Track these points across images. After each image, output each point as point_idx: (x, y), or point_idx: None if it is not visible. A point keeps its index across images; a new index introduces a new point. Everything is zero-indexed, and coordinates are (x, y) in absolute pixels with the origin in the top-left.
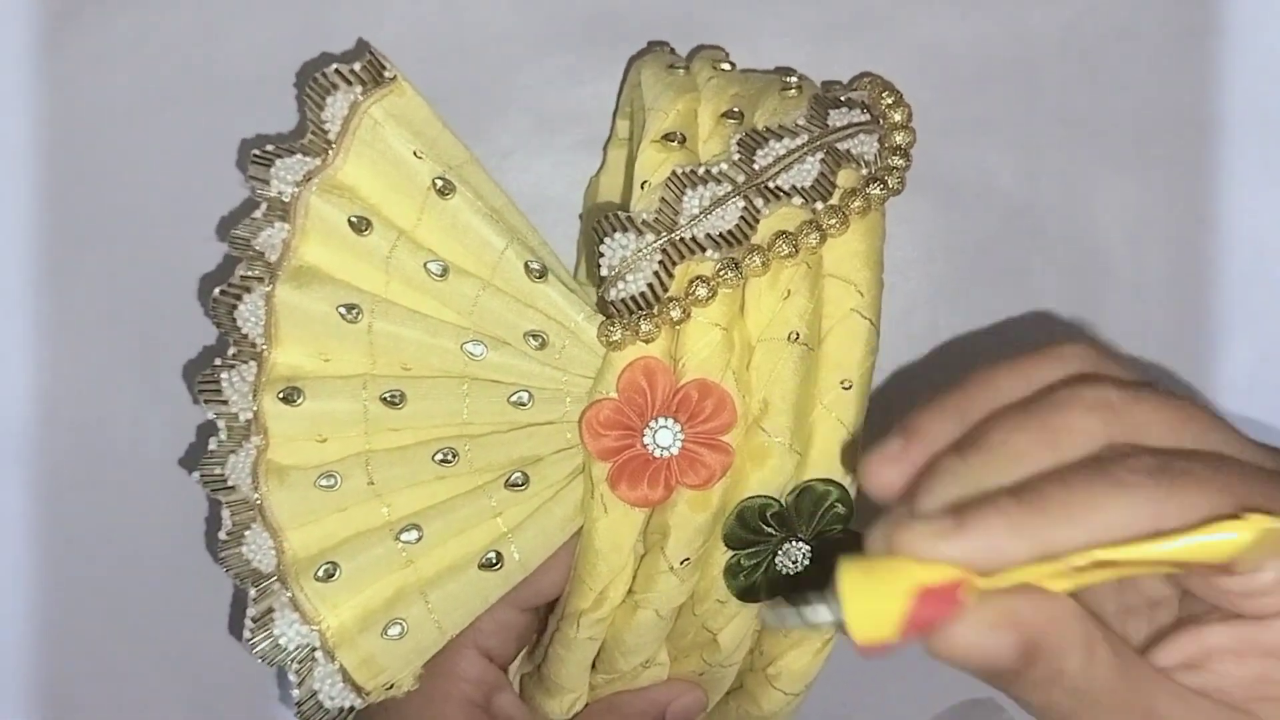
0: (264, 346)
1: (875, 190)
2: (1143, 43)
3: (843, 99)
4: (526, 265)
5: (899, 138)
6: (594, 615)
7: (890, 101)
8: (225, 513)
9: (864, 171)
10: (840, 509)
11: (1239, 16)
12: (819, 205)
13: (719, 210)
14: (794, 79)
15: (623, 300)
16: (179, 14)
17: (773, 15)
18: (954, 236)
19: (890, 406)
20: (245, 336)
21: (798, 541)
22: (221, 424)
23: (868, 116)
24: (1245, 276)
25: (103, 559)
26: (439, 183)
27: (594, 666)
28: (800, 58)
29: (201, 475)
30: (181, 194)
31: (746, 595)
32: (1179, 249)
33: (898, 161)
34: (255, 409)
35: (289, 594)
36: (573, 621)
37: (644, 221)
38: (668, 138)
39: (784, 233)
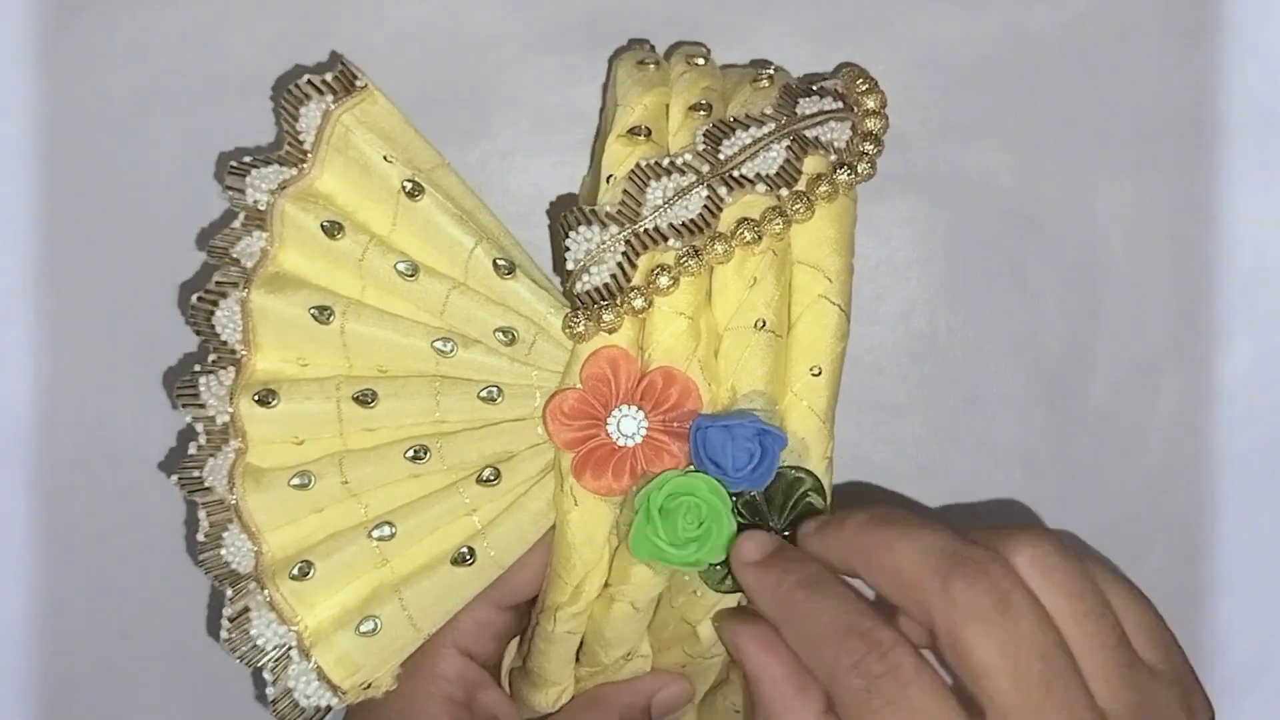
0: (243, 352)
1: (843, 176)
2: (1143, 43)
3: (814, 88)
4: (494, 262)
5: (871, 124)
6: (571, 609)
7: (864, 88)
8: (201, 514)
9: (833, 158)
10: (812, 498)
11: (1239, 16)
12: (784, 192)
13: (682, 200)
14: (767, 70)
15: (587, 292)
16: (178, 14)
17: (773, 15)
18: (954, 236)
19: (891, 406)
20: (224, 343)
21: (770, 531)
22: (200, 428)
23: (840, 104)
24: (1245, 276)
25: (103, 559)
26: (407, 185)
27: (577, 659)
28: (800, 58)
29: (179, 479)
30: (181, 194)
31: (721, 585)
32: (1179, 249)
33: (869, 147)
34: (232, 412)
35: (266, 594)
36: (550, 616)
37: (608, 214)
38: (633, 131)
39: (747, 219)
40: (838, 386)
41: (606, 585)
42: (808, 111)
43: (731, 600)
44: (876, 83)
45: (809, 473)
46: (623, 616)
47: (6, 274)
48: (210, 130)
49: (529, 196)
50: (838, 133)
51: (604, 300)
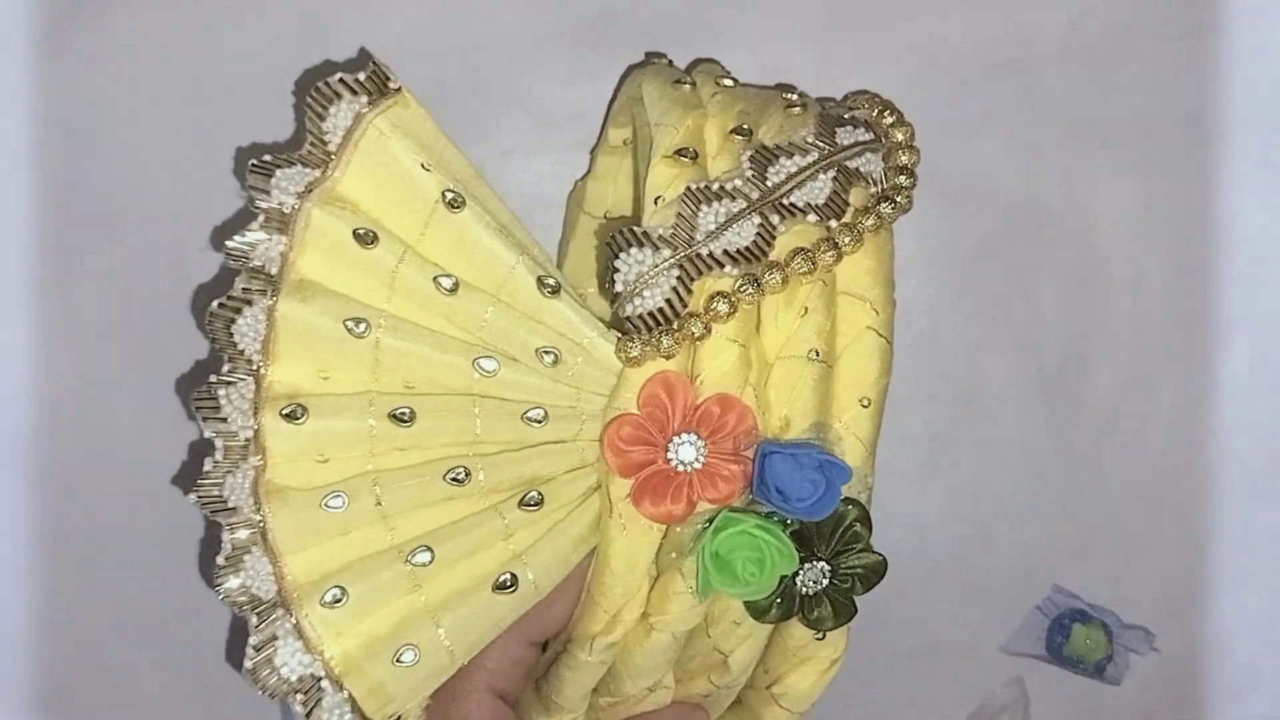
0: (260, 363)
1: (886, 208)
2: (1143, 43)
3: (846, 117)
4: (539, 281)
5: (904, 157)
6: (606, 639)
7: (891, 121)
8: (226, 535)
9: (872, 190)
10: (858, 528)
11: (1239, 16)
12: (833, 223)
13: (735, 226)
14: (796, 95)
15: (640, 316)
16: (179, 15)
17: (773, 15)
18: (954, 236)
19: (891, 406)
20: (241, 352)
21: (817, 561)
22: (219, 443)
23: (871, 135)
24: (1245, 276)
25: (103, 559)
26: (449, 195)
27: (596, 689)
28: (800, 58)
29: (199, 497)
30: (181, 194)
31: (763, 616)
32: (1179, 249)
33: (905, 181)
34: (255, 427)
35: (293, 620)
36: (585, 644)
37: (660, 237)
38: (680, 153)
39: (802, 249)
40: (881, 418)
41: (644, 614)
42: (846, 142)
43: (765, 628)
44: (902, 114)
45: (856, 503)
46: (659, 646)
47: (6, 274)
48: (210, 130)
49: (529, 195)
50: (873, 164)
51: (656, 325)
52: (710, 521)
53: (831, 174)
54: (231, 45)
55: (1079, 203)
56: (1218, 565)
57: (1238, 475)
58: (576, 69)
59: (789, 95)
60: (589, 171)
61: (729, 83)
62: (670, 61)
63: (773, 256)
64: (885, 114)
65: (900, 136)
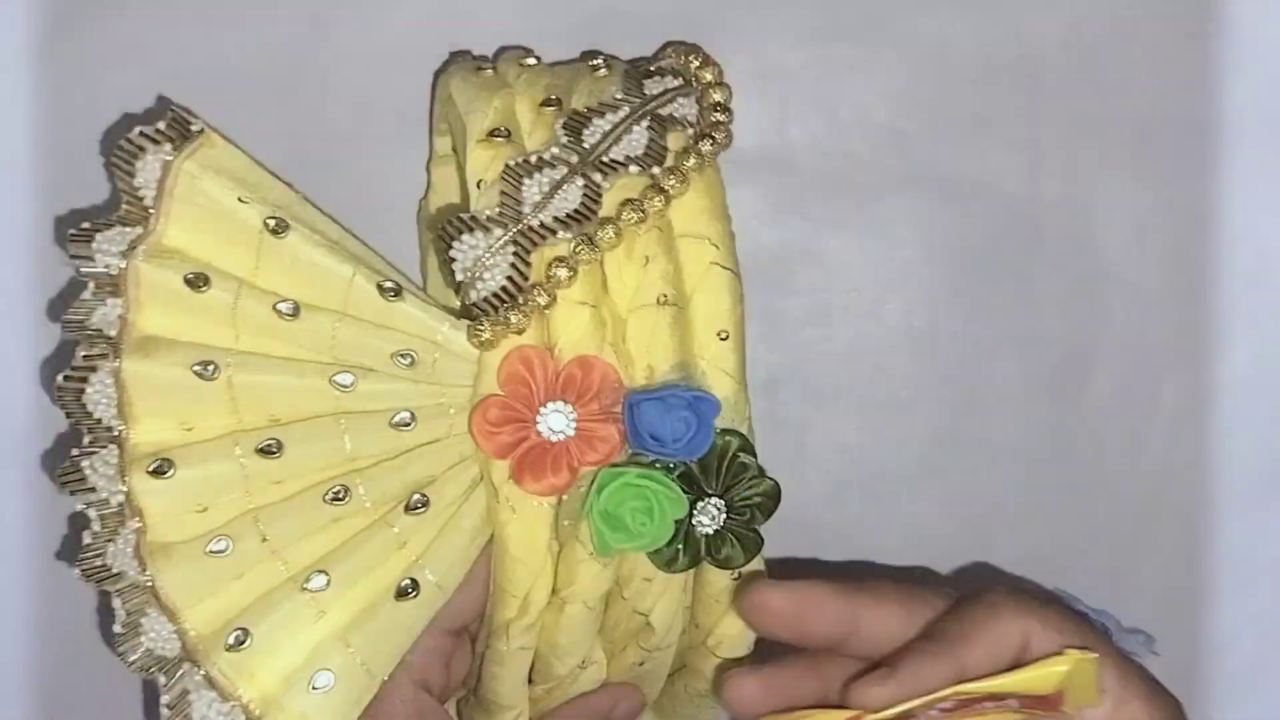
0: (120, 427)
1: (706, 146)
2: (1143, 43)
3: (653, 69)
4: (380, 286)
5: (716, 95)
6: (522, 622)
7: (699, 63)
8: (117, 603)
9: (689, 132)
10: (743, 457)
11: (1239, 16)
12: (656, 170)
13: (560, 192)
14: (601, 60)
15: (485, 299)
16: (179, 14)
17: (773, 15)
18: (954, 236)
19: (891, 406)
20: (99, 421)
21: (711, 498)
22: (93, 513)
23: (681, 81)
24: (1245, 276)
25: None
26: (271, 222)
27: (530, 679)
28: (800, 58)
29: (83, 571)
30: None
31: (672, 565)
32: (1179, 249)
33: (720, 117)
34: (125, 490)
35: (202, 672)
36: (502, 634)
37: (489, 218)
38: (493, 134)
39: (629, 200)
40: (744, 347)
41: (554, 591)
42: (655, 92)
43: (679, 580)
44: (710, 56)
45: (734, 433)
46: (576, 619)
47: (6, 274)
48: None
49: None
50: (687, 108)
51: (502, 304)
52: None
53: (645, 124)
54: (231, 45)
55: (1079, 203)
56: (1218, 566)
57: (1238, 475)
58: None
59: (594, 61)
60: (428, 188)
61: (532, 61)
62: (472, 55)
63: (603, 214)
64: (692, 58)
65: (709, 76)
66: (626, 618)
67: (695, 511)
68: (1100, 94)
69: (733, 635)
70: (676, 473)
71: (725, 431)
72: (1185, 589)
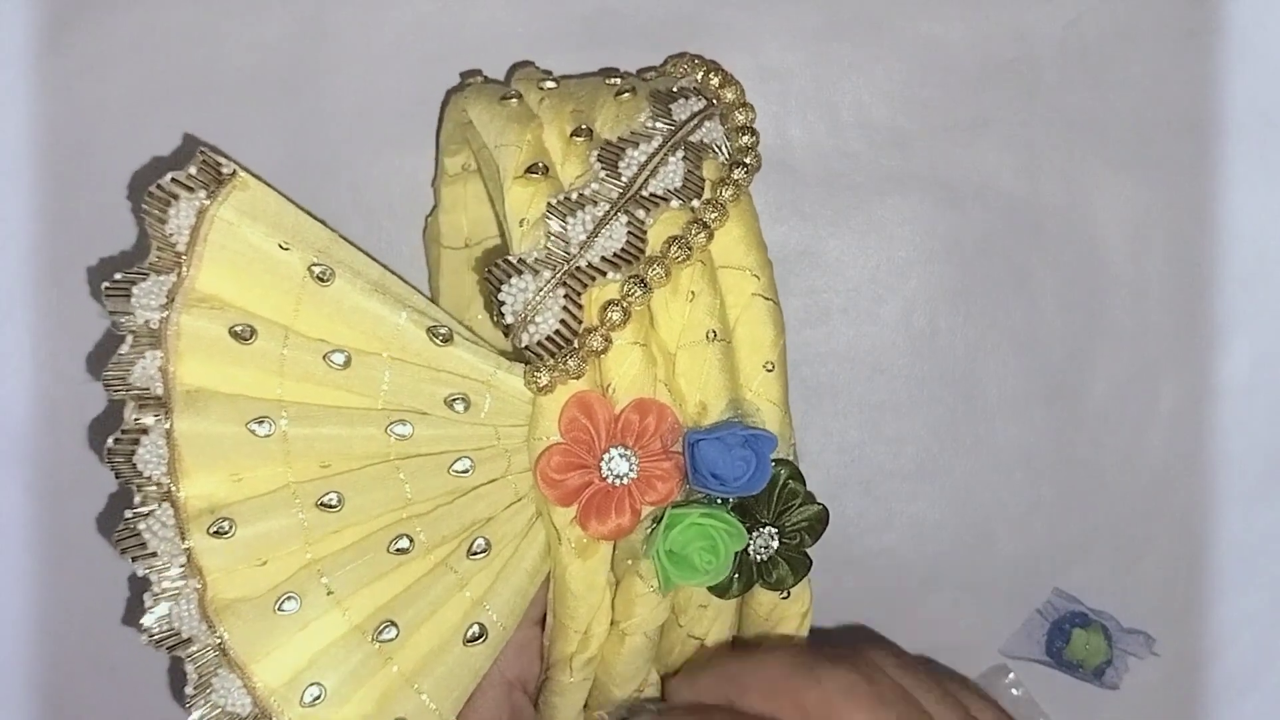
0: (170, 484)
1: (739, 174)
2: (1143, 43)
3: (676, 90)
4: (430, 331)
5: (741, 116)
6: (584, 656)
7: (718, 82)
8: (189, 667)
9: (721, 159)
10: (793, 484)
11: (1239, 16)
12: (695, 203)
13: (605, 230)
14: (617, 80)
15: (539, 343)
16: (179, 14)
17: (773, 15)
18: (954, 236)
19: (891, 406)
20: (149, 479)
21: (764, 528)
22: (154, 576)
23: (704, 101)
24: (1245, 276)
25: (103, 559)
26: (316, 269)
27: (586, 703)
28: (800, 58)
29: (151, 638)
30: None
31: (727, 593)
32: (1179, 249)
33: (748, 140)
34: (187, 549)
35: None
36: (564, 667)
37: (536, 259)
38: (530, 170)
39: (674, 237)
40: (786, 375)
41: (613, 623)
42: (683, 117)
43: (732, 603)
44: (727, 73)
45: (784, 462)
46: (636, 648)
47: (6, 274)
48: (210, 130)
49: None
50: (714, 132)
51: (558, 348)
52: (657, 521)
53: (680, 154)
54: (231, 45)
55: (1079, 203)
56: (1217, 566)
57: (1238, 475)
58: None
59: (613, 81)
60: (436, 206)
61: (551, 84)
62: (485, 78)
63: (649, 251)
64: (711, 76)
65: (731, 96)
66: (681, 641)
67: (750, 542)
68: (1100, 94)
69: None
70: (730, 505)
71: (777, 461)
72: (1184, 588)
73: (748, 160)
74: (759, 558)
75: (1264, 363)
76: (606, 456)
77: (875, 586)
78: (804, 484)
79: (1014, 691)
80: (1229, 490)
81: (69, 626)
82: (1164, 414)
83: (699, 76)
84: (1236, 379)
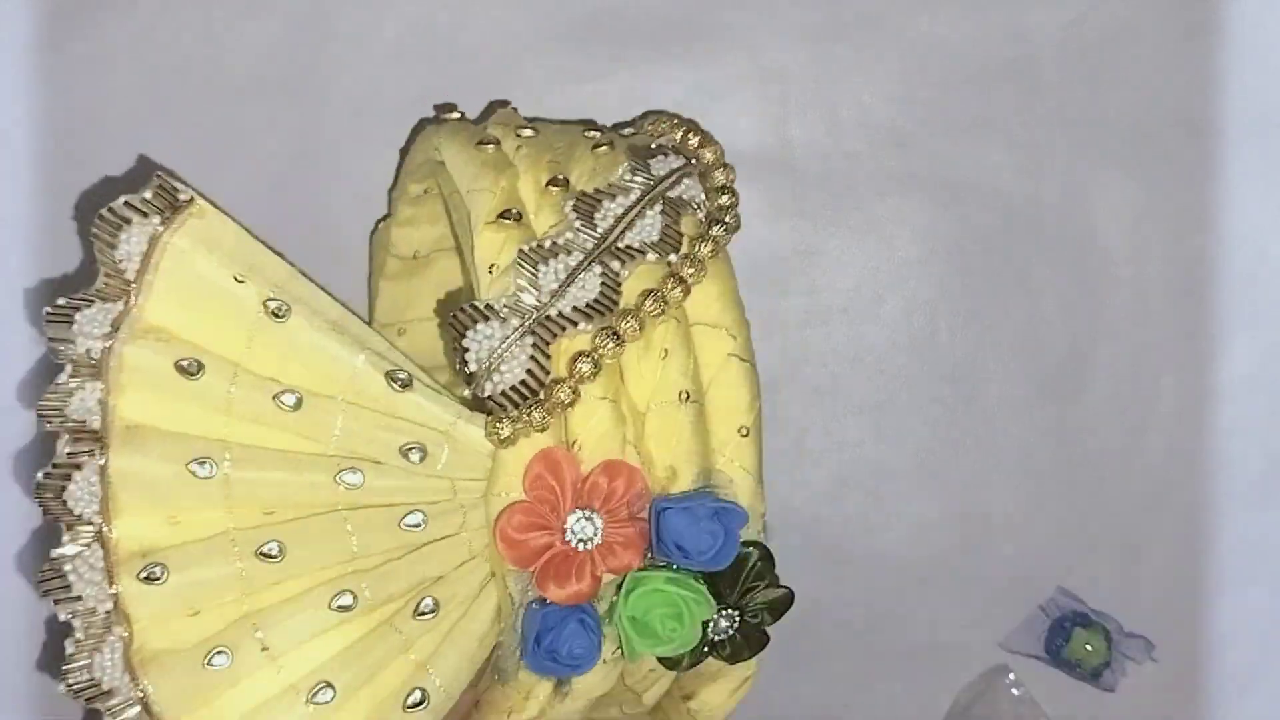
0: (102, 524)
1: (718, 231)
2: (1143, 43)
3: (654, 147)
4: (389, 375)
5: (720, 176)
6: (524, 714)
7: (697, 142)
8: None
9: (699, 215)
10: (761, 567)
11: (1239, 16)
12: (673, 257)
13: (578, 280)
14: (597, 133)
15: (503, 393)
16: (179, 14)
17: (773, 15)
18: (954, 236)
19: (891, 406)
20: (79, 517)
21: (727, 610)
22: (77, 622)
23: (683, 159)
24: (1245, 276)
25: None
26: (271, 305)
27: None
28: (800, 58)
29: (70, 688)
30: None
31: (677, 667)
32: (1179, 249)
33: (727, 200)
34: (115, 594)
35: None
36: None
37: (504, 306)
38: (503, 216)
39: (649, 290)
40: (761, 440)
41: (556, 687)
42: (662, 173)
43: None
44: (708, 133)
45: (756, 544)
46: (576, 710)
47: (6, 274)
48: (210, 130)
49: None
50: (693, 189)
51: (522, 399)
52: (619, 588)
53: (658, 208)
54: (231, 45)
55: (1079, 203)
56: (1218, 566)
57: (1238, 475)
58: (576, 69)
59: (591, 134)
60: (390, 215)
61: (528, 132)
62: (463, 114)
63: (622, 304)
64: (690, 135)
65: (710, 156)
66: (620, 692)
67: (709, 624)
68: (1100, 94)
69: (713, 704)
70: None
71: (748, 543)
72: (1185, 588)
73: (727, 219)
74: (716, 637)
75: (1264, 363)
76: (572, 518)
77: (875, 586)
78: (773, 565)
79: (1014, 691)
80: (1229, 490)
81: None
82: (1164, 414)
83: (677, 136)
84: (1236, 379)
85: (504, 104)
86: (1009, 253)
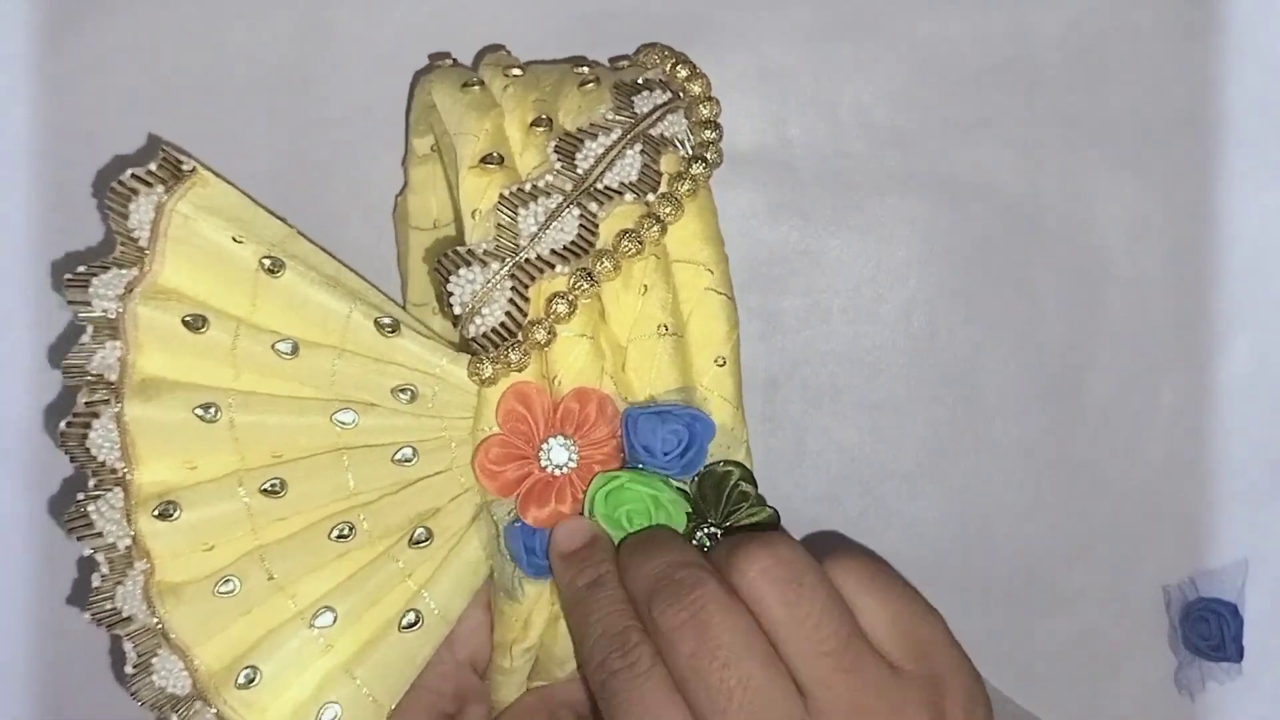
0: (124, 470)
1: (699, 169)
2: (1143, 43)
3: (641, 82)
4: (377, 323)
5: (706, 110)
6: (523, 645)
7: (686, 75)
8: (128, 645)
9: (682, 153)
10: (744, 486)
11: (1239, 16)
12: (651, 197)
13: (556, 223)
14: (586, 69)
15: (484, 335)
16: (179, 14)
17: (773, 15)
18: (954, 236)
19: (891, 406)
20: (103, 464)
21: (709, 527)
22: (101, 557)
23: (669, 94)
24: (1245, 276)
25: None
26: (267, 262)
27: (530, 675)
28: (800, 58)
29: (93, 615)
30: None
31: None
32: (1179, 249)
33: (711, 135)
34: (133, 534)
35: (213, 710)
36: (504, 652)
37: (485, 251)
38: (485, 160)
39: (626, 231)
40: (740, 372)
41: (553, 611)
42: (645, 110)
43: None
44: (695, 65)
45: (737, 464)
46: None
47: (6, 274)
48: (210, 130)
49: None
50: (676, 125)
51: (502, 340)
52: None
53: (639, 147)
54: (231, 45)
55: (1079, 203)
56: (1218, 565)
57: (1238, 475)
58: None
59: (580, 70)
60: (405, 186)
61: (517, 71)
62: (455, 61)
63: (600, 244)
64: (679, 68)
65: (698, 89)
66: None
67: (694, 538)
68: (1100, 93)
69: None
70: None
71: (728, 462)
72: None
73: (708, 155)
74: (705, 549)
75: (1264, 363)
76: (545, 446)
77: None
78: (755, 487)
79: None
80: (1229, 490)
81: (69, 627)
82: (1164, 414)
83: (667, 68)
84: (1236, 379)
85: (498, 48)
86: (1009, 253)
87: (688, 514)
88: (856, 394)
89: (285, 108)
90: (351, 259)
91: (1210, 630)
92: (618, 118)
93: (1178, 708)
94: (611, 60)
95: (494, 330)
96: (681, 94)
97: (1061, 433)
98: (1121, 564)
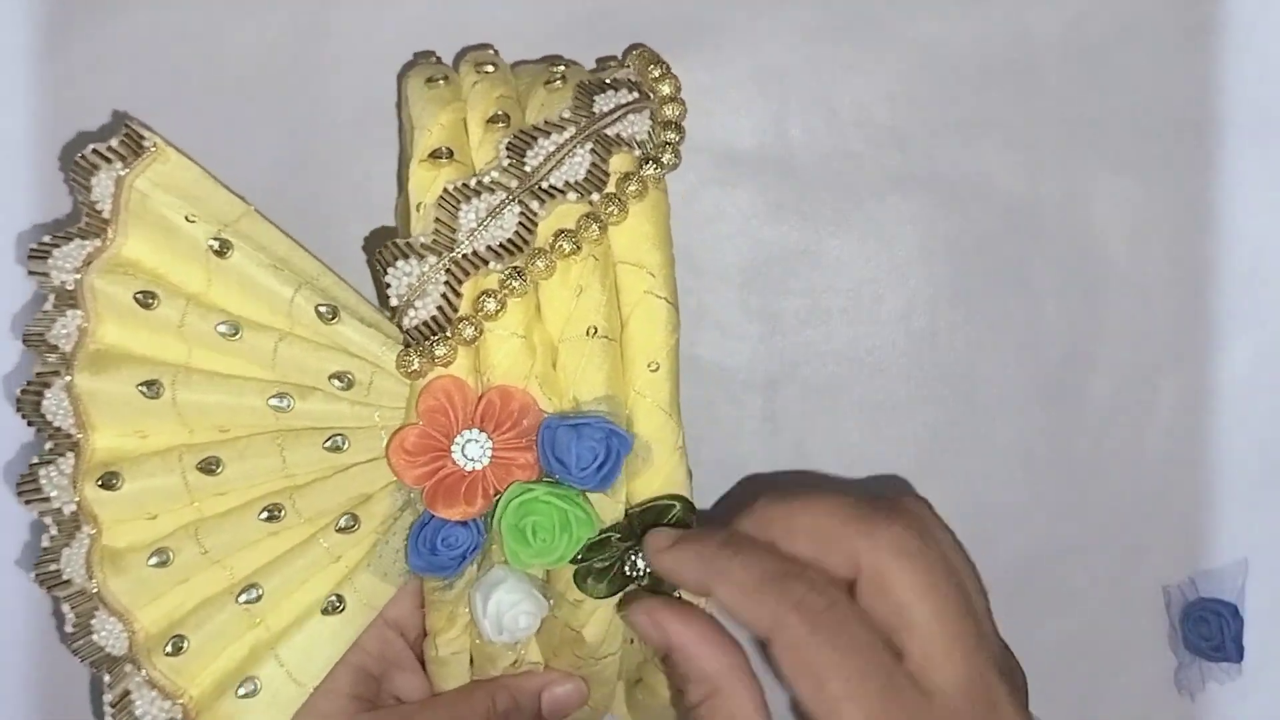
0: (79, 435)
1: (650, 170)
2: (1143, 43)
3: (608, 81)
4: (316, 309)
5: (670, 111)
6: (449, 635)
7: (658, 74)
8: (65, 607)
9: (638, 153)
10: (683, 519)
11: (1239, 16)
12: (595, 196)
13: (496, 220)
14: (559, 69)
15: (416, 327)
16: (179, 14)
17: (772, 15)
18: (954, 236)
19: (891, 406)
20: (59, 429)
21: (637, 556)
22: (49, 520)
23: (636, 95)
24: (1245, 276)
25: None
26: (214, 244)
27: (472, 665)
28: (800, 58)
29: (37, 575)
30: None
31: (594, 593)
32: (1179, 249)
33: (671, 136)
34: (78, 500)
35: (143, 674)
36: (432, 642)
37: (423, 245)
38: (435, 155)
39: (564, 231)
40: (677, 378)
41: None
42: (605, 109)
43: (611, 602)
44: (668, 66)
45: (679, 498)
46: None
47: (6, 273)
48: (210, 130)
49: None
50: (638, 125)
51: (432, 333)
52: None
53: (589, 146)
54: (232, 45)
55: (1079, 203)
56: (1218, 565)
57: (1238, 475)
58: None
59: (555, 69)
60: (401, 189)
61: (490, 68)
62: (438, 59)
63: (536, 243)
64: (652, 68)
65: (667, 90)
66: (560, 629)
67: (625, 561)
68: (1100, 94)
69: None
70: (613, 524)
71: (674, 497)
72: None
73: (664, 158)
74: (635, 574)
75: (1264, 363)
76: (460, 440)
77: None
78: (695, 515)
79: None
80: (1229, 490)
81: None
82: (1164, 414)
83: (644, 69)
84: (1236, 379)
85: (486, 47)
86: (1009, 253)
87: (613, 539)
88: (856, 394)
89: (285, 108)
90: (351, 259)
91: (1210, 630)
92: (574, 117)
93: (1178, 708)
94: (599, 61)
95: (425, 323)
96: (651, 94)
97: (1061, 433)
98: (1121, 564)
